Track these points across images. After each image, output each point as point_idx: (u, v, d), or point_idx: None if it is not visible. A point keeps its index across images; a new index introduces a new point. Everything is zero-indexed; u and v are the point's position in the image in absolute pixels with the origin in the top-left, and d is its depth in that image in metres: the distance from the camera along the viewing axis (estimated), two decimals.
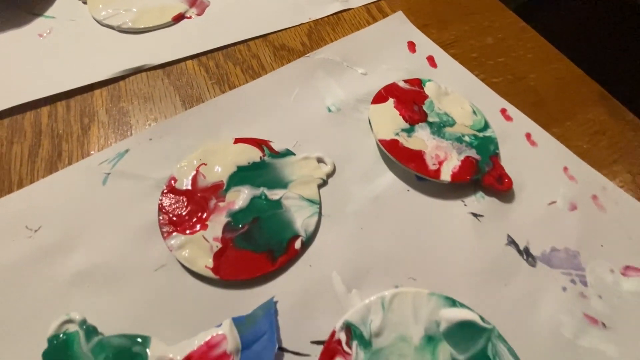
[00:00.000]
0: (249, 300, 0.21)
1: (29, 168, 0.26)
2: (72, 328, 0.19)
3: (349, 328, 0.18)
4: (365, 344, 0.18)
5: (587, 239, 0.25)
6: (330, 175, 0.26)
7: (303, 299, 0.22)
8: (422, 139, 0.27)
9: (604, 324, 0.22)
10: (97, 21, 0.34)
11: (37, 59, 0.31)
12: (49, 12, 0.34)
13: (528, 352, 0.20)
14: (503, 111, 0.30)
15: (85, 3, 0.35)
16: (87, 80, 0.29)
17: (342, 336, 0.18)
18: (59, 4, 0.35)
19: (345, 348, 0.18)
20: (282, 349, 0.20)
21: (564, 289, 0.23)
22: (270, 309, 0.21)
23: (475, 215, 0.25)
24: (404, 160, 0.25)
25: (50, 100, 0.29)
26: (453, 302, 0.19)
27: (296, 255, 0.23)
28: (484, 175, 0.26)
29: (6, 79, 0.29)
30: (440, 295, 0.19)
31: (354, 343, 0.18)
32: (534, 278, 0.23)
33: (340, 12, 0.37)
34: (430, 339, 0.18)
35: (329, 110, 0.29)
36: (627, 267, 0.24)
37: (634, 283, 0.23)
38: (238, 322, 0.20)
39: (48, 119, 0.28)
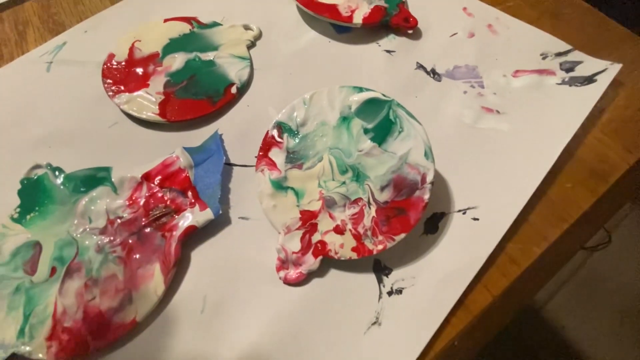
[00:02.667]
0: (196, 138, 0.25)
1: None
2: (40, 172, 0.22)
3: (279, 126, 0.22)
4: (293, 133, 0.22)
5: (483, 56, 0.29)
6: (257, 38, 0.29)
7: (245, 130, 0.25)
8: None
9: (497, 111, 0.26)
10: None
11: None
12: None
13: (437, 137, 0.24)
14: None
15: None
16: None
17: (275, 132, 0.22)
18: None
19: (278, 139, 0.22)
20: (230, 164, 0.24)
21: (465, 92, 0.27)
22: (216, 137, 0.24)
23: (388, 51, 0.29)
24: (319, 11, 0.28)
25: None
26: (360, 89, 0.22)
27: (234, 99, 0.26)
28: (392, 17, 0.29)
29: None
30: (349, 86, 0.22)
31: (285, 135, 0.22)
32: (440, 89, 0.27)
33: None
34: (344, 119, 0.22)
35: None
36: (517, 71, 0.28)
37: (521, 80, 0.28)
38: (189, 149, 0.23)
39: None
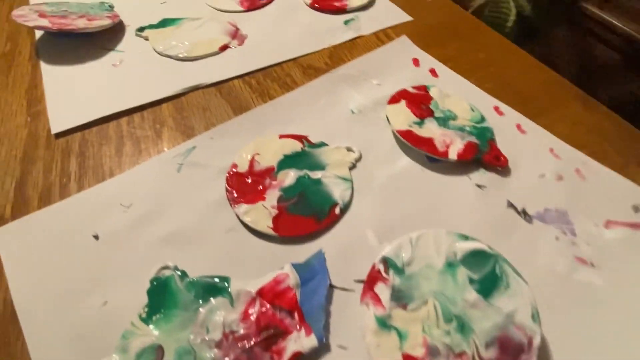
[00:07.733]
0: (302, 252, 0.27)
1: (117, 162, 0.32)
2: (168, 273, 0.25)
3: (385, 261, 0.23)
4: (399, 271, 0.23)
5: (573, 201, 0.30)
6: (358, 160, 0.32)
7: (345, 250, 0.27)
8: (430, 129, 0.33)
9: (592, 264, 0.26)
10: (158, 53, 0.41)
11: (114, 83, 0.38)
12: (119, 47, 0.42)
13: (530, 284, 0.25)
14: (496, 108, 0.37)
15: (147, 39, 0.43)
16: (156, 96, 0.37)
17: (381, 267, 0.23)
18: (126, 41, 0.43)
19: (384, 275, 0.23)
20: (331, 286, 0.25)
21: (557, 238, 0.28)
22: (320, 257, 0.26)
23: (479, 186, 0.31)
24: (418, 145, 0.31)
25: (128, 113, 0.36)
26: (466, 238, 0.24)
27: (337, 219, 0.28)
28: (484, 154, 0.32)
29: (92, 98, 0.37)
30: (455, 233, 0.24)
31: (391, 271, 0.23)
32: (532, 231, 0.28)
33: (354, 39, 0.44)
34: (450, 265, 0.23)
35: (352, 112, 0.36)
36: (608, 222, 0.29)
37: (613, 233, 0.28)
38: (296, 266, 0.25)
39: (127, 126, 0.35)
